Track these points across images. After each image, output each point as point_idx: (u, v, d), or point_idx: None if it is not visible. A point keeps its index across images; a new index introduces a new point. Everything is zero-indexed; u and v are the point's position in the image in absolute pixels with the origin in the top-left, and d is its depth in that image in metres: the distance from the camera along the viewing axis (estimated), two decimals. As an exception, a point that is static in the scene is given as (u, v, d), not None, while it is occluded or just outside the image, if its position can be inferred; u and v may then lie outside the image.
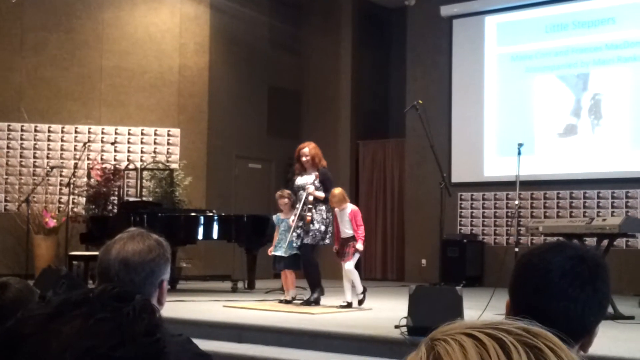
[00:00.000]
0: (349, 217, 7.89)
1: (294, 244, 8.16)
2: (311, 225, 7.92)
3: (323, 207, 8.01)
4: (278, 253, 8.33)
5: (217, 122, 12.63)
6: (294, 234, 8.06)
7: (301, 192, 8.07)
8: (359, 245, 7.83)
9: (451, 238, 11.61)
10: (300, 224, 8.00)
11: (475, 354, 0.76)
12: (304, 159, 8.15)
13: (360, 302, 7.88)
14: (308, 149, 8.16)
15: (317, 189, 7.99)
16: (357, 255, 7.94)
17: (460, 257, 11.53)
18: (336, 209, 7.96)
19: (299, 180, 8.19)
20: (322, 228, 7.97)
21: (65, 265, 9.85)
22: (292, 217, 8.13)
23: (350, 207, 7.98)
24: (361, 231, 7.90)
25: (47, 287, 6.00)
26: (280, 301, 8.31)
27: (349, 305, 7.84)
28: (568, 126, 11.46)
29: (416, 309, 5.79)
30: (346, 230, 7.93)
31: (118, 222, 9.46)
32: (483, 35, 12.33)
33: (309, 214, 7.91)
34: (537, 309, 1.66)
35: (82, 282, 9.00)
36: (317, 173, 8.02)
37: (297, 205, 8.02)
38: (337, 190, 7.95)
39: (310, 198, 7.91)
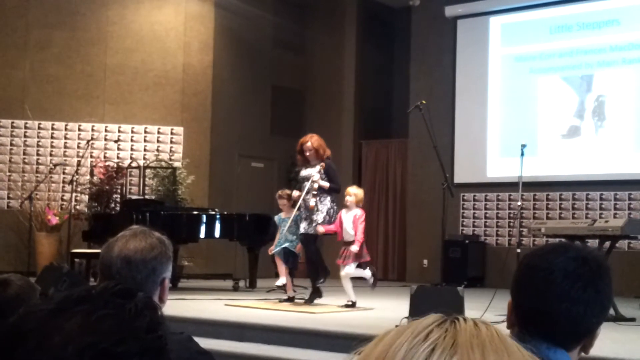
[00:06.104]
0: (352, 221, 7.82)
1: (293, 236, 8.16)
2: (316, 216, 7.82)
3: (328, 197, 7.94)
4: (277, 249, 8.34)
5: (220, 121, 12.63)
6: (295, 226, 8.00)
7: (306, 182, 7.94)
8: (354, 247, 7.69)
9: (453, 238, 11.59)
10: (304, 212, 7.93)
11: None
12: (307, 153, 8.02)
13: (347, 306, 7.83)
14: (310, 142, 8.00)
15: (321, 179, 7.90)
16: (354, 264, 7.80)
17: (462, 258, 11.51)
18: (343, 210, 7.90)
19: (304, 172, 8.10)
20: (327, 218, 7.87)
21: (67, 262, 9.85)
22: (295, 210, 8.08)
23: (357, 211, 7.88)
24: (359, 234, 7.73)
25: (49, 284, 6.01)
26: (281, 301, 8.27)
27: (353, 304, 7.83)
28: (571, 128, 11.45)
29: (417, 309, 5.79)
30: (349, 233, 7.86)
31: (120, 220, 9.47)
32: (487, 36, 12.31)
33: (314, 200, 7.82)
34: (539, 310, 1.66)
35: (83, 279, 9.01)
36: (322, 164, 7.94)
37: (302, 194, 7.90)
38: (361, 192, 7.93)
39: (315, 186, 7.81)
